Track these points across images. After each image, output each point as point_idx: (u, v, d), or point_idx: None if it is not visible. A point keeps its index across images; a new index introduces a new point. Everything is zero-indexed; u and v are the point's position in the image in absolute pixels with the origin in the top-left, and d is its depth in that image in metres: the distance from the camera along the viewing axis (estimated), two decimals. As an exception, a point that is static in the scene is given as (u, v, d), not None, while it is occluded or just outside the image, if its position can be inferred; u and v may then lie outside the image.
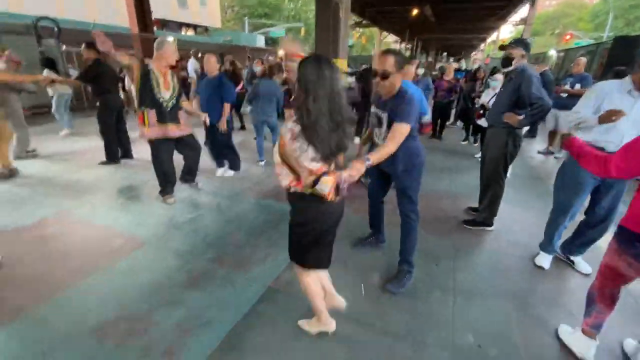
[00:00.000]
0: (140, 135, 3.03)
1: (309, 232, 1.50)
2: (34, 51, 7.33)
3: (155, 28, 12.48)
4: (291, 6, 34.93)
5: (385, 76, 1.86)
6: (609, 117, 1.94)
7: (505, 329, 1.89)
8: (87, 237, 2.72)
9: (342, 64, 8.14)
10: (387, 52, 1.88)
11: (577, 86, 5.12)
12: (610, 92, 2.03)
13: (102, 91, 4.33)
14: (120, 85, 6.19)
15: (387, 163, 1.95)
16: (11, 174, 3.92)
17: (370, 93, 4.44)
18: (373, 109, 2.11)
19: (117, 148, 4.59)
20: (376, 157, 1.73)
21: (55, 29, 7.69)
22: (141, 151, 4.50)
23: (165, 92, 2.98)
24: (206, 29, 23.83)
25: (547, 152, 5.74)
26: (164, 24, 19.99)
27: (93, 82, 4.30)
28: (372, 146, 2.28)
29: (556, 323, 1.92)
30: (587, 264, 2.45)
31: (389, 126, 1.91)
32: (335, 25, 7.91)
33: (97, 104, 4.39)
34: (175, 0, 21.02)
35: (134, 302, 2.00)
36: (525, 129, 3.92)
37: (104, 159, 4.52)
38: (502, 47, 2.77)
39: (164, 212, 3.20)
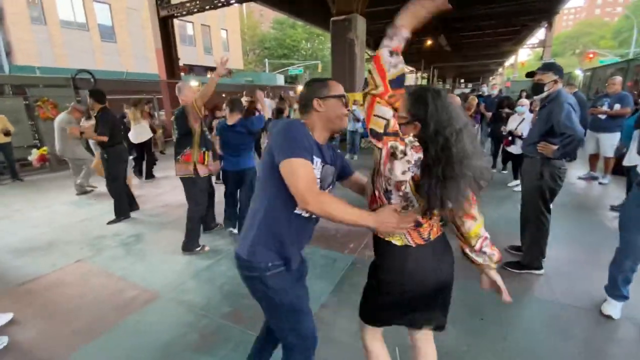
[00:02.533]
0: (203, 173, 3.06)
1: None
2: (72, 101, 7.90)
3: (182, 74, 13.35)
4: (308, 46, 36.73)
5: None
6: None
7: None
8: (102, 289, 2.60)
9: (358, 97, 8.16)
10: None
11: (617, 106, 4.75)
12: None
13: (114, 142, 3.91)
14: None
15: None
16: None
17: None
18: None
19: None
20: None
21: (92, 80, 8.31)
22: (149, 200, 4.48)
23: None
24: (230, 71, 25.29)
25: (590, 178, 5.26)
26: (191, 69, 21.41)
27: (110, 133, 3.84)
28: None
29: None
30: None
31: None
32: (351, 60, 8.04)
33: (105, 156, 3.92)
34: (202, 48, 22.66)
35: (141, 369, 1.81)
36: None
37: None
38: (529, 75, 2.57)
39: (181, 259, 3.07)
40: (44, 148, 6.70)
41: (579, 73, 11.13)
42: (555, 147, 2.34)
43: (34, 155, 4.24)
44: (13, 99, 7.31)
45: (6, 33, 13.79)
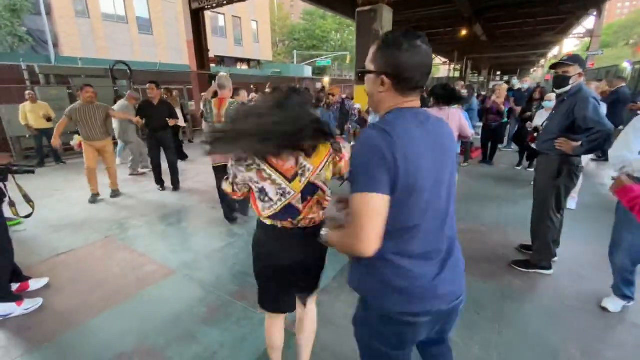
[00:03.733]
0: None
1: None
2: (110, 90, 8.46)
3: (213, 65, 13.77)
4: (337, 37, 36.35)
5: None
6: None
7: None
8: (125, 263, 2.86)
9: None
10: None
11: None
12: None
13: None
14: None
15: None
16: (116, 194, 4.63)
17: None
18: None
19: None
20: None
21: (128, 71, 8.82)
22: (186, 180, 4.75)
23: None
24: (259, 62, 25.67)
25: (624, 179, 4.92)
26: (221, 60, 21.99)
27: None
28: None
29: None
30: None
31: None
32: (375, 51, 7.93)
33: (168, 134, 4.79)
34: (233, 39, 23.16)
35: (153, 334, 2.01)
36: (586, 158, 3.43)
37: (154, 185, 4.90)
38: (553, 66, 2.44)
39: (199, 240, 3.28)
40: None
41: (627, 65, 10.24)
42: (577, 143, 2.23)
43: (75, 141, 4.66)
44: (58, 88, 7.95)
45: (54, 26, 14.86)
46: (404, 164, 0.83)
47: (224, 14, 21.91)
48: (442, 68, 39.30)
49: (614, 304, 2.13)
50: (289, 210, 1.26)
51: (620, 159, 1.81)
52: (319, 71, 30.50)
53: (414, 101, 0.93)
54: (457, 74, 24.36)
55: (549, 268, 2.55)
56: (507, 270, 2.66)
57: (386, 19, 7.90)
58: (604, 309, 2.13)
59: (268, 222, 1.30)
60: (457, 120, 3.15)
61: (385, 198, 0.83)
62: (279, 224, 1.29)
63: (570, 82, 2.29)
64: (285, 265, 1.33)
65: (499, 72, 36.36)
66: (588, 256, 2.83)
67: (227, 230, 3.48)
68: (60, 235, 3.42)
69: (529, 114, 5.32)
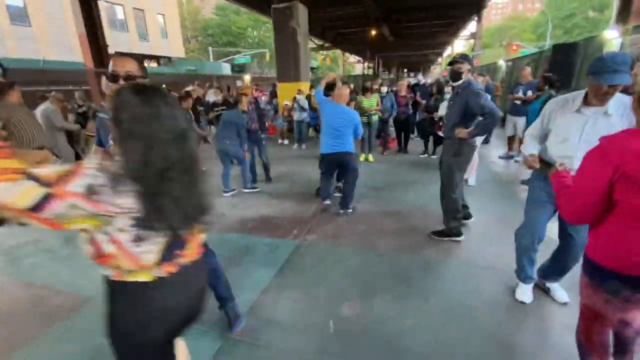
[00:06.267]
0: None
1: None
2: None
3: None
4: (254, 34, 35.61)
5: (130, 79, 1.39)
6: (528, 164, 1.95)
7: None
8: (23, 300, 2.38)
9: (305, 87, 8.19)
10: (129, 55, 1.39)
11: (529, 93, 5.40)
12: (553, 111, 1.88)
13: None
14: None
15: None
16: None
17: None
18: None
19: None
20: None
21: (0, 69, 7.25)
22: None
23: None
24: (169, 59, 23.61)
25: (508, 157, 5.92)
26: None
27: None
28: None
29: None
30: (564, 292, 2.16)
31: None
32: (295, 49, 8.01)
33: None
34: (136, 34, 20.80)
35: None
36: (480, 139, 4.04)
37: None
38: (451, 63, 2.88)
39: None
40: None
41: (502, 63, 12.29)
42: (470, 129, 2.67)
43: None
44: None
45: None
46: None
47: (122, 5, 19.52)
48: (357, 66, 41.77)
49: (526, 294, 2.17)
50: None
51: (526, 142, 2.07)
52: (239, 69, 29.48)
53: None
54: (371, 72, 26.12)
55: (460, 234, 2.98)
56: (429, 243, 2.98)
57: (302, 17, 8.04)
58: (522, 303, 2.15)
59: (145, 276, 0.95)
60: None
61: None
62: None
63: (462, 77, 2.71)
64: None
65: (405, 70, 40.12)
66: (488, 223, 3.35)
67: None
68: None
69: (428, 103, 6.06)
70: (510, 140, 5.90)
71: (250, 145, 4.61)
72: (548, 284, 2.24)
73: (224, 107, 6.29)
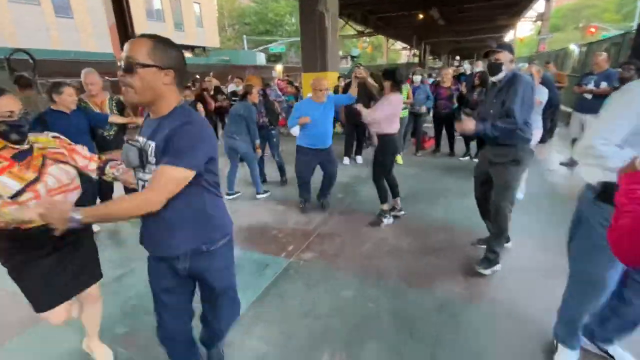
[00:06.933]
0: None
1: None
2: (8, 84, 7.41)
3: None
4: (293, 21, 35.64)
5: (129, 69, 1.10)
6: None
7: None
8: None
9: (332, 77, 7.83)
10: (144, 36, 1.16)
11: (603, 84, 4.57)
12: None
13: None
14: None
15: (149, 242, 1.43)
16: None
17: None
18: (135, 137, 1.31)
19: None
20: (101, 211, 1.18)
21: (31, 60, 7.79)
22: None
23: None
24: (204, 49, 24.40)
25: (571, 163, 5.10)
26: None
27: None
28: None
29: None
30: (630, 355, 1.68)
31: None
32: (321, 36, 7.66)
33: None
34: (172, 24, 21.72)
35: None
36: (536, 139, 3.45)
37: None
38: (486, 54, 2.51)
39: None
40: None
41: (574, 48, 10.88)
42: (479, 125, 2.29)
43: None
44: None
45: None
46: None
47: (160, -5, 20.47)
48: (403, 54, 40.18)
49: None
50: None
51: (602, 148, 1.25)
52: (274, 58, 29.71)
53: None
54: (416, 60, 24.90)
55: (497, 263, 2.53)
56: (449, 274, 2.52)
57: (330, 0, 7.64)
58: None
59: None
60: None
61: None
62: None
63: (503, 68, 2.36)
64: None
65: (457, 57, 37.82)
66: (534, 256, 2.77)
67: (121, 257, 3.02)
68: None
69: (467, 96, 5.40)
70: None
71: (260, 143, 4.39)
72: (608, 348, 1.72)
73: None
